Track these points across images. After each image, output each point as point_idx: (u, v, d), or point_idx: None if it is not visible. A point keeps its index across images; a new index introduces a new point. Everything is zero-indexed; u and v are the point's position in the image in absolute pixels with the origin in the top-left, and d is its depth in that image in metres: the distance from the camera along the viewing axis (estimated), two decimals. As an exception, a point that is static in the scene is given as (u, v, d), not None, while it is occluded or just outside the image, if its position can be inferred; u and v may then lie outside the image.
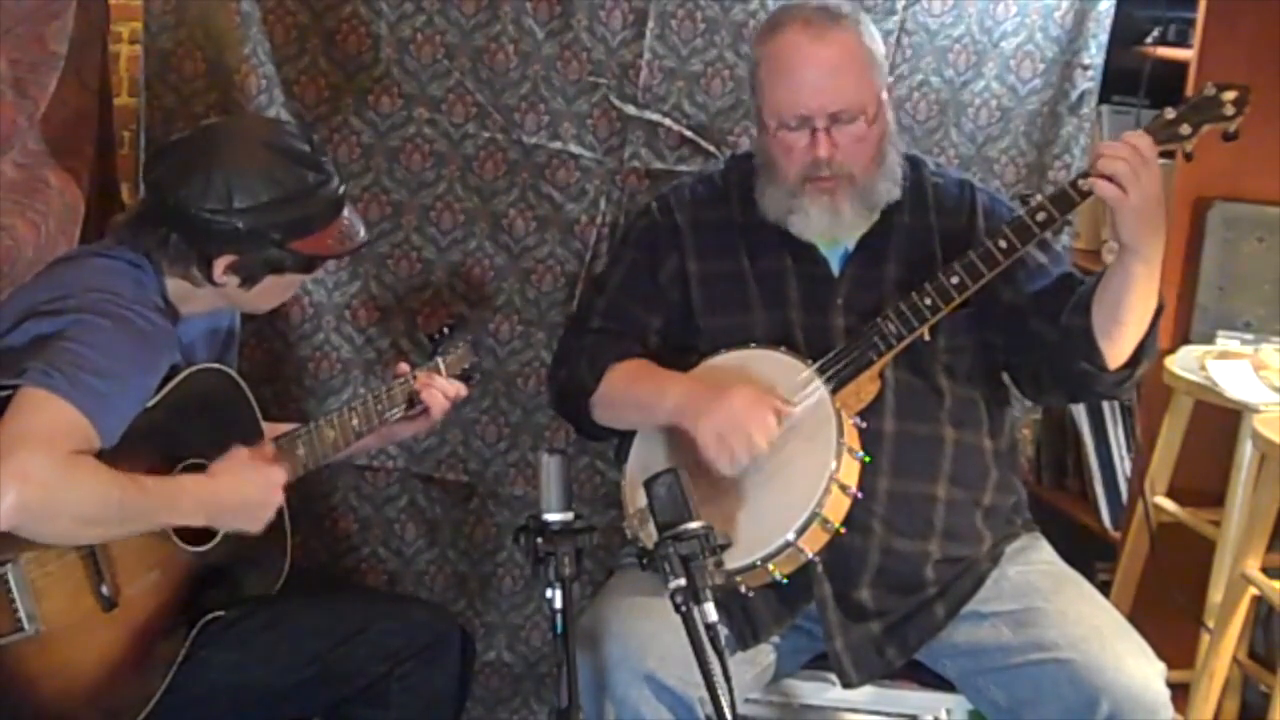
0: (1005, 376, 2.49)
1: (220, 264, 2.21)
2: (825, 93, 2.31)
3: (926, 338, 2.35)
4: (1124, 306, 2.26)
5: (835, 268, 2.43)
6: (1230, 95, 2.25)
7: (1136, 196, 2.18)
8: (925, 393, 2.38)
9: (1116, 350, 2.29)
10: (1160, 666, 2.23)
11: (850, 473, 2.23)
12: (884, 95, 2.39)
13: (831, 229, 2.39)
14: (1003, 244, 2.30)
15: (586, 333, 2.48)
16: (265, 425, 2.35)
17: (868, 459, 2.26)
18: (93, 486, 1.98)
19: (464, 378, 2.59)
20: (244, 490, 2.18)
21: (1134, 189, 2.18)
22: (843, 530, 2.23)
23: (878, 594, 2.33)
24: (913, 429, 2.36)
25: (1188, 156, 2.29)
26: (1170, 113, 2.26)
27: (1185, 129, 2.26)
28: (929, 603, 2.34)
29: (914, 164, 2.50)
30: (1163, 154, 2.24)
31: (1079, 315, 2.30)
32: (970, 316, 2.39)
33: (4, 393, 2.00)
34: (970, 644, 2.32)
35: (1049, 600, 2.30)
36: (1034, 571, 2.37)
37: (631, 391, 2.39)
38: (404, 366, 2.51)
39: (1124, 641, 2.24)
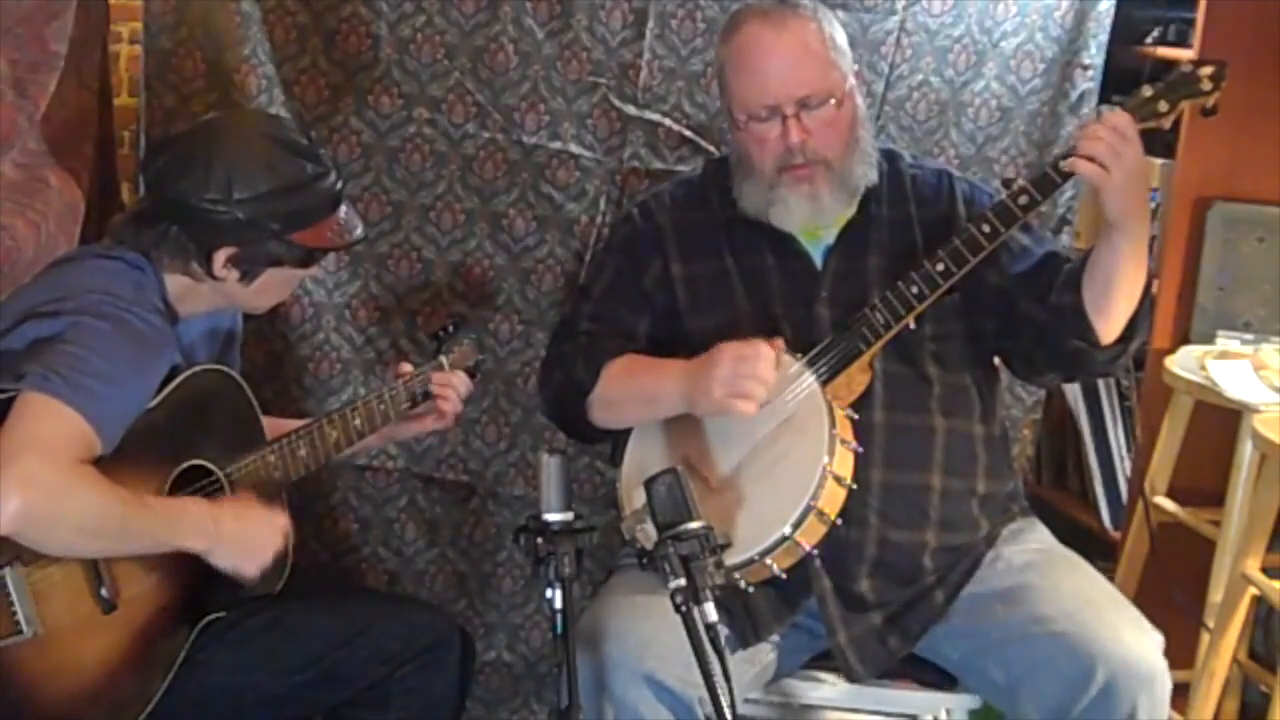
0: (997, 360, 2.50)
1: (220, 256, 2.21)
2: (790, 80, 2.32)
3: (913, 326, 2.35)
4: (1114, 283, 2.26)
5: (817, 261, 2.43)
6: (1207, 71, 2.25)
7: (1119, 175, 2.18)
8: (914, 382, 2.38)
9: (1108, 326, 2.29)
10: (1157, 637, 2.22)
11: (844, 464, 2.23)
12: (851, 81, 2.39)
13: (813, 216, 2.39)
14: (986, 228, 2.30)
15: (576, 335, 2.47)
16: (267, 422, 2.35)
17: (860, 450, 2.26)
18: (95, 498, 1.98)
19: (469, 375, 2.59)
20: (247, 524, 2.17)
21: (1116, 167, 2.18)
22: (839, 522, 2.23)
23: (876, 585, 2.33)
24: (903, 419, 2.36)
25: (1167, 133, 2.28)
26: (1148, 90, 2.26)
27: (1163, 105, 2.25)
28: (928, 590, 2.34)
29: (890, 157, 2.50)
30: (1161, 152, 2.24)
31: (1069, 293, 2.30)
32: (957, 303, 2.39)
33: (3, 396, 2.00)
34: (967, 625, 2.32)
35: (1043, 576, 2.30)
36: (1029, 551, 2.38)
37: (632, 385, 2.38)
38: (406, 367, 2.51)
39: (1118, 613, 2.23)
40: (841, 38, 2.40)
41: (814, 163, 2.35)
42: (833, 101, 2.34)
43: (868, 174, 2.41)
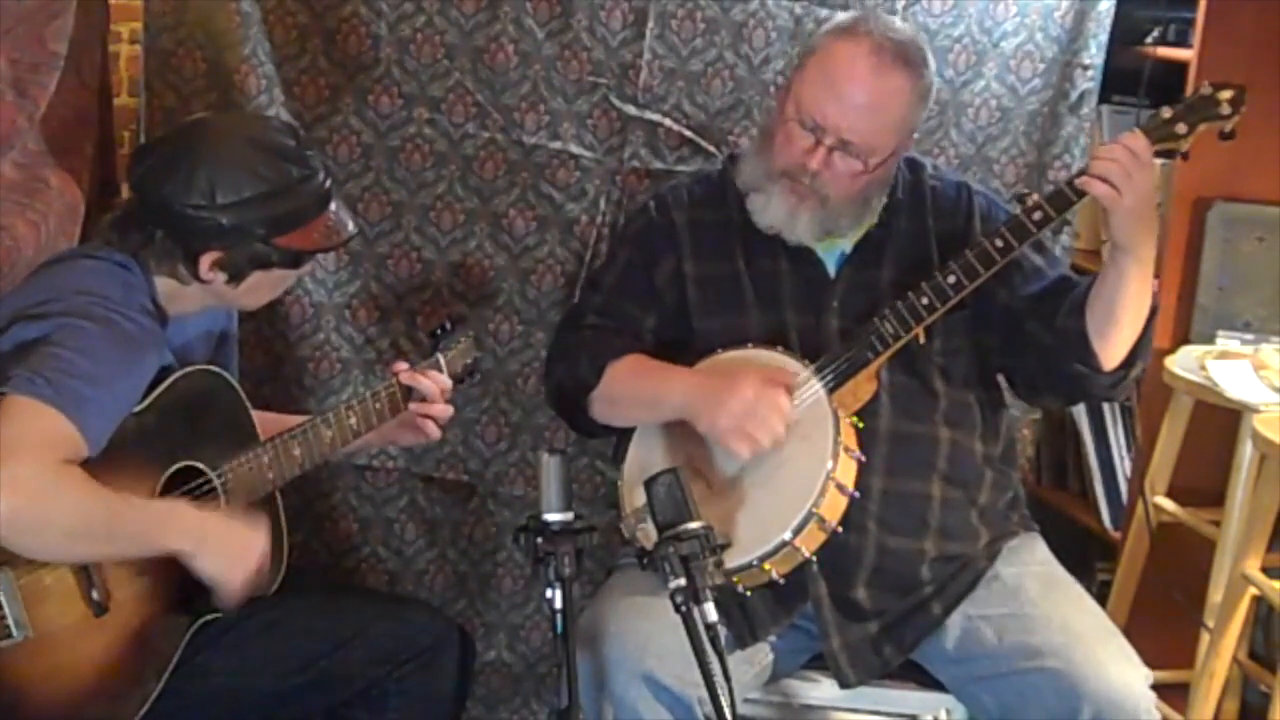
0: (1000, 379, 2.49)
1: (206, 260, 2.20)
2: (848, 118, 2.30)
3: (922, 339, 2.35)
4: (1119, 306, 2.26)
5: (831, 270, 2.43)
6: (1227, 95, 2.25)
7: (1130, 197, 2.18)
8: (920, 394, 2.38)
9: (1111, 351, 2.29)
10: (1144, 672, 2.23)
11: (847, 472, 2.23)
12: (903, 149, 2.38)
13: (783, 226, 2.38)
14: (999, 243, 2.30)
15: (583, 328, 2.47)
16: (266, 417, 2.35)
17: (863, 459, 2.26)
18: (82, 499, 1.97)
19: (467, 373, 2.59)
20: (231, 534, 2.15)
21: (1128, 190, 2.18)
22: (840, 530, 2.23)
23: (873, 594, 2.33)
24: (908, 428, 2.36)
25: (1184, 156, 2.29)
26: (1166, 112, 2.26)
27: (1182, 128, 2.26)
28: (926, 601, 2.34)
29: (912, 166, 2.49)
30: (1161, 154, 2.25)
31: (1074, 317, 2.30)
32: (966, 319, 2.39)
33: None
34: (960, 651, 2.32)
35: (1036, 605, 2.30)
36: (1026, 573, 2.37)
37: (635, 387, 2.38)
38: (402, 365, 2.50)
39: (1106, 648, 2.23)
40: (927, 101, 2.38)
41: (814, 191, 2.34)
42: (870, 160, 2.32)
43: (853, 226, 2.40)
